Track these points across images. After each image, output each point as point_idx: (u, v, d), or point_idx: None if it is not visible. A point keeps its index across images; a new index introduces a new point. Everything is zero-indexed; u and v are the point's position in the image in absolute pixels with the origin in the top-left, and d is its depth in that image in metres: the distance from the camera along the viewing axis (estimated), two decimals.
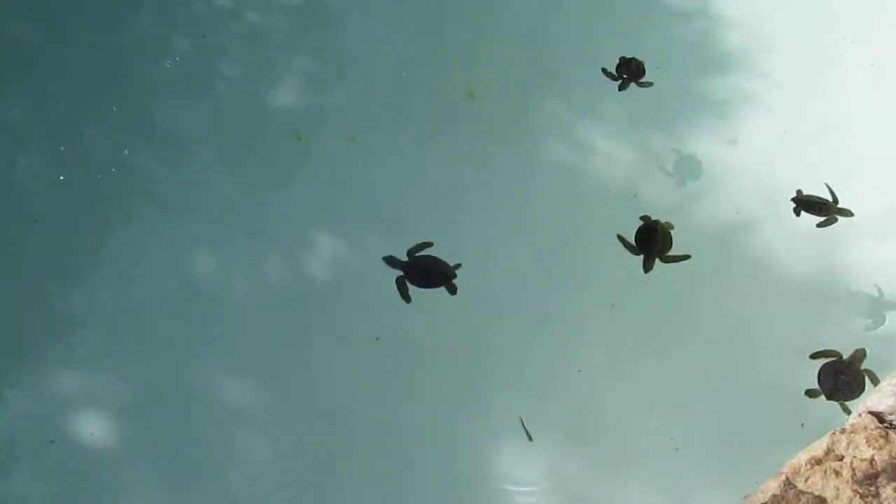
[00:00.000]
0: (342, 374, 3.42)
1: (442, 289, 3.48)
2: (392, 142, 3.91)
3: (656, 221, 3.53)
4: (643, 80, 3.85)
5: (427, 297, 3.50)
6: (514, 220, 3.75)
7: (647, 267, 3.47)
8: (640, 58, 3.86)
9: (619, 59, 3.85)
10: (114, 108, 3.96)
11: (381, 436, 3.32)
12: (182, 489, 3.22)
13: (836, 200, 3.57)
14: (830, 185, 3.58)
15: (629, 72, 3.85)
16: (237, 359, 3.44)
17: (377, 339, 3.48)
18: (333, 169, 3.86)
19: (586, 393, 3.39)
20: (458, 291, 3.49)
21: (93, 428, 3.27)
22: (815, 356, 3.31)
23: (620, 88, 3.86)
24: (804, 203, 3.60)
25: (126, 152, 3.86)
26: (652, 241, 3.49)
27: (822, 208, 3.58)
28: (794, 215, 3.59)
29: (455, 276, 3.44)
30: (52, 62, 4.06)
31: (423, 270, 3.43)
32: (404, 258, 3.47)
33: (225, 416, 3.33)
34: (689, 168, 3.87)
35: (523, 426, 3.33)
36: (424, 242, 3.50)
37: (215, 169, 3.83)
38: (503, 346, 3.47)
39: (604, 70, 3.86)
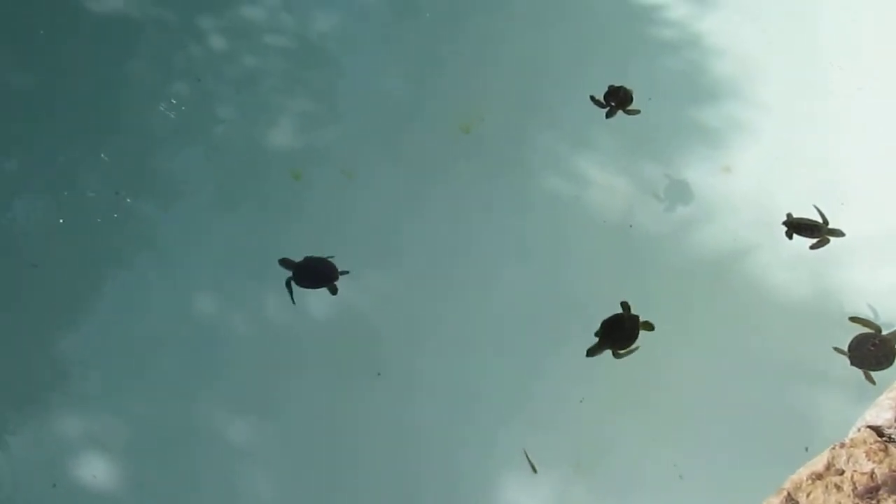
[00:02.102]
0: (344, 409, 3.42)
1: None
2: (389, 178, 3.95)
3: (631, 316, 3.47)
4: (630, 107, 3.90)
5: (429, 330, 3.53)
6: (512, 253, 3.77)
7: (592, 352, 3.38)
8: (631, 88, 3.90)
9: (608, 88, 3.90)
10: (103, 156, 3.98)
11: (384, 470, 3.31)
12: None
13: (826, 222, 3.62)
14: (820, 208, 3.62)
15: (617, 99, 3.89)
16: (238, 398, 3.45)
17: (378, 374, 3.48)
18: (331, 206, 3.89)
19: (589, 423, 3.39)
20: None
21: (95, 470, 3.26)
22: (853, 320, 3.39)
23: (608, 116, 3.90)
24: (795, 226, 3.63)
25: (126, 198, 3.88)
26: (612, 336, 3.42)
27: (813, 230, 3.61)
28: (788, 239, 3.63)
29: (337, 277, 3.55)
30: (49, 110, 4.10)
31: (310, 271, 3.57)
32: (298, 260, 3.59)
33: (227, 455, 3.32)
34: (683, 196, 3.90)
35: (527, 458, 3.32)
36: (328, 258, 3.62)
37: (214, 211, 3.85)
38: (505, 377, 3.48)
39: (592, 98, 3.91)
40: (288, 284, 3.54)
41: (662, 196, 3.91)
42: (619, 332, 3.42)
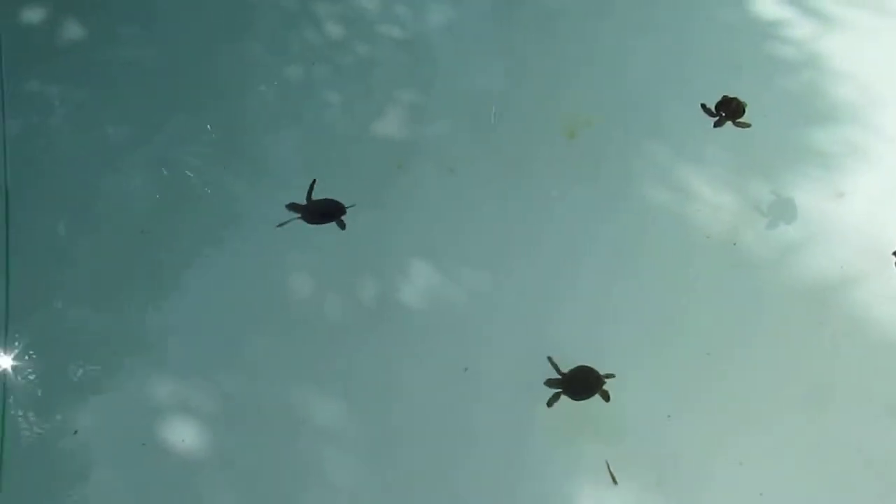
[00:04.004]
0: (429, 402, 3.42)
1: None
2: (490, 176, 3.93)
3: (599, 377, 3.42)
4: (741, 120, 3.82)
5: (520, 330, 3.50)
6: (609, 263, 3.71)
7: (552, 402, 3.38)
8: (745, 101, 3.83)
9: (721, 98, 3.84)
10: (209, 128, 4.07)
11: (467, 468, 3.31)
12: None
13: None
14: None
15: (728, 110, 3.82)
16: (325, 380, 3.48)
17: (466, 369, 3.48)
18: (429, 199, 3.90)
19: (674, 440, 3.33)
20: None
21: (184, 435, 3.34)
22: None
23: (716, 125, 3.84)
24: None
25: (225, 175, 3.95)
26: (578, 390, 3.40)
27: None
28: None
29: (345, 212, 3.77)
30: (162, 86, 4.20)
31: (318, 210, 3.78)
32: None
33: (309, 436, 3.36)
34: (792, 218, 3.78)
35: (608, 469, 3.28)
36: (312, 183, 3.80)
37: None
38: None
39: (703, 106, 3.85)
40: (288, 221, 3.74)
41: (770, 216, 3.80)
42: (581, 386, 3.41)
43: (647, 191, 3.88)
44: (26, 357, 3.50)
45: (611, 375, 3.42)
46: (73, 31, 4.25)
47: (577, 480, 3.27)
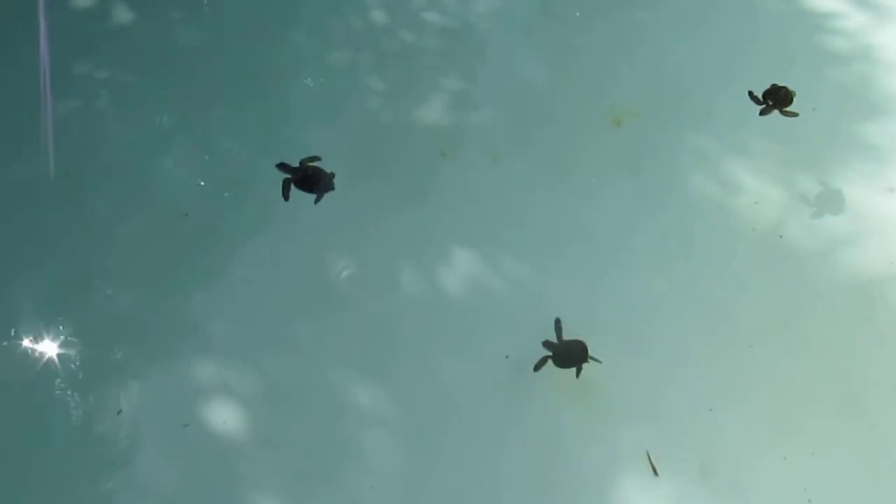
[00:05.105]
0: (469, 388, 3.42)
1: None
2: (534, 165, 3.92)
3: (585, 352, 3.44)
4: (788, 109, 3.78)
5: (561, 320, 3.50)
6: (652, 255, 3.69)
7: (538, 367, 3.44)
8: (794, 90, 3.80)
9: (770, 86, 3.81)
10: (246, 118, 4.09)
11: (505, 454, 3.30)
12: (303, 486, 3.27)
13: None
14: None
15: (776, 98, 3.79)
16: (366, 365, 3.48)
17: (507, 356, 3.47)
18: (472, 186, 3.89)
19: (717, 433, 3.30)
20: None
21: (225, 416, 3.37)
22: None
23: (762, 113, 3.82)
24: None
25: (268, 161, 3.95)
26: (564, 360, 3.43)
27: None
28: None
29: (332, 188, 3.79)
30: (206, 70, 4.23)
31: (309, 179, 3.79)
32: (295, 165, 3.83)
33: (350, 419, 3.37)
34: (840, 213, 3.73)
35: (649, 460, 3.26)
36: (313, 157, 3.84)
37: (351, 180, 3.87)
38: (636, 378, 3.41)
39: (750, 93, 3.83)
40: (285, 186, 3.77)
41: (817, 210, 3.75)
42: (567, 357, 3.43)
43: (692, 182, 3.84)
44: (71, 339, 3.55)
45: (597, 360, 3.42)
46: (122, 15, 4.29)
47: (616, 470, 3.25)
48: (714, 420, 3.32)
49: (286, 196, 3.77)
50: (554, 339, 3.45)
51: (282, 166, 3.80)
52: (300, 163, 3.82)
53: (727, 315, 3.51)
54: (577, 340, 3.45)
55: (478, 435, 3.35)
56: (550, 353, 3.43)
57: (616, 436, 3.30)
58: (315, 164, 3.83)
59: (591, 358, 3.41)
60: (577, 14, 4.38)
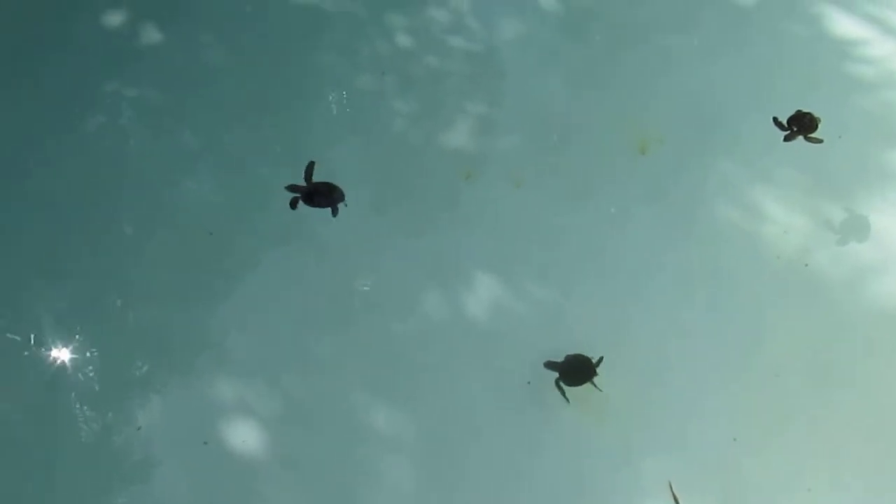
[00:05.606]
0: (490, 414, 3.40)
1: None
2: (558, 190, 3.90)
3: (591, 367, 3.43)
4: (813, 135, 3.76)
5: (582, 346, 3.46)
6: (677, 282, 3.66)
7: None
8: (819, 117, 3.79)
9: (795, 112, 3.79)
10: (267, 137, 4.09)
11: (525, 481, 3.28)
12: None
13: None
14: None
15: (801, 125, 3.77)
16: (387, 386, 3.48)
17: (528, 383, 3.45)
18: (498, 212, 3.88)
19: (740, 463, 3.27)
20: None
21: (245, 436, 3.36)
22: None
23: (786, 139, 3.80)
24: None
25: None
26: (572, 377, 3.42)
27: None
28: None
29: (343, 199, 3.80)
30: (232, 91, 4.24)
31: (321, 194, 3.81)
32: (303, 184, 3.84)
33: (370, 440, 3.36)
34: (867, 241, 3.70)
35: (671, 491, 3.21)
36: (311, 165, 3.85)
37: (373, 202, 3.89)
38: (659, 407, 3.38)
39: (775, 119, 3.81)
40: (293, 203, 3.78)
41: (843, 238, 3.72)
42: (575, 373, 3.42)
43: (717, 209, 3.81)
44: (90, 353, 3.55)
45: (600, 359, 3.42)
46: (150, 35, 4.33)
47: (639, 500, 3.21)
48: (738, 450, 3.29)
49: (293, 206, 3.79)
50: (555, 359, 3.43)
51: (291, 188, 3.80)
52: (305, 180, 3.83)
53: (752, 344, 3.48)
54: (579, 355, 3.42)
55: (498, 460, 3.33)
56: (557, 374, 3.40)
57: (639, 465, 3.27)
58: (323, 181, 3.85)
59: (595, 363, 3.40)
60: (602, 39, 4.37)
